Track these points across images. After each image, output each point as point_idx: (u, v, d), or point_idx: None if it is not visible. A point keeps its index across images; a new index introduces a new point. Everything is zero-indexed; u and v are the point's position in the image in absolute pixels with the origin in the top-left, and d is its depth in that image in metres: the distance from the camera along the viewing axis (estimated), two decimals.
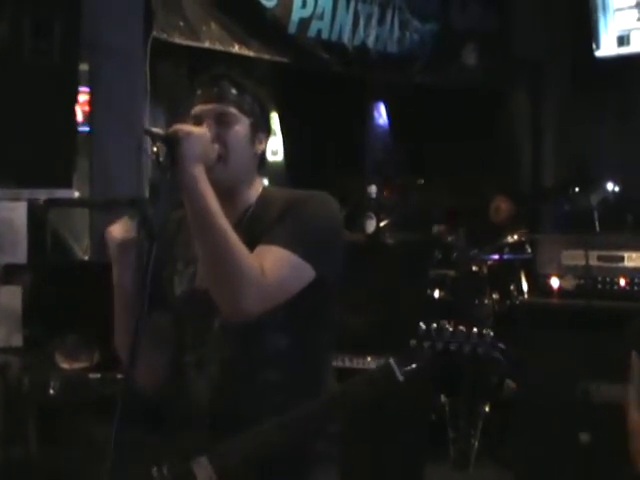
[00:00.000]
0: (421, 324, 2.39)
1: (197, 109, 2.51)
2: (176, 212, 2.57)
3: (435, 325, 2.39)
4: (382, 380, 2.39)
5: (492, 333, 2.37)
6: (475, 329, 2.36)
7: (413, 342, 2.37)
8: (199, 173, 2.29)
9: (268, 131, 2.61)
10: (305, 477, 2.53)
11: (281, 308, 2.41)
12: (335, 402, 2.47)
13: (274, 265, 2.38)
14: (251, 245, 2.38)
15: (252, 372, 2.47)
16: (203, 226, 2.30)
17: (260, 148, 2.57)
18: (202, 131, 2.37)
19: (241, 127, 2.51)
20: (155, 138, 2.28)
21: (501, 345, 2.39)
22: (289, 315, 2.45)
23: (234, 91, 2.53)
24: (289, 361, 2.49)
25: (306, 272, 2.43)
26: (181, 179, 2.27)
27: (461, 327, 2.37)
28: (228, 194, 2.48)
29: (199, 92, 2.55)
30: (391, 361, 2.36)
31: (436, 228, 6.83)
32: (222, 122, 2.48)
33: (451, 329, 2.37)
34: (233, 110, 2.50)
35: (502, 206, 7.00)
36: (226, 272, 2.31)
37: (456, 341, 2.35)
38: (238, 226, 2.45)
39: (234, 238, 2.32)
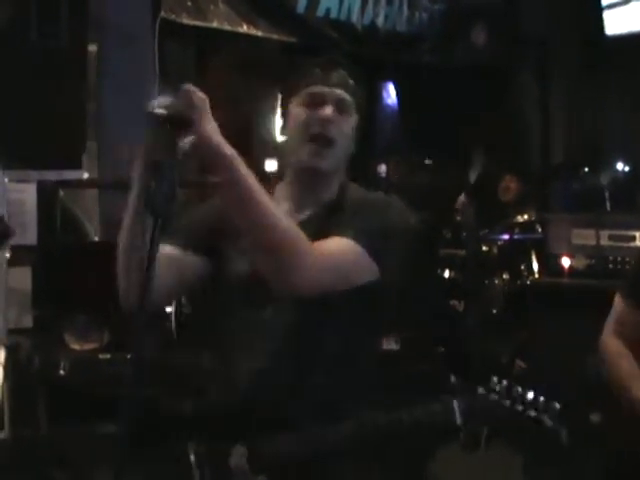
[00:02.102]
0: (494, 379, 2.34)
1: (318, 89, 2.46)
2: None
3: (505, 382, 2.34)
4: (441, 418, 2.35)
5: (558, 406, 2.34)
6: (542, 398, 2.32)
7: (481, 390, 2.34)
8: (224, 143, 2.17)
9: (361, 135, 2.57)
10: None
11: (337, 307, 2.35)
12: (388, 428, 2.40)
13: (336, 250, 2.32)
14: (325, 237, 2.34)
15: (298, 368, 2.40)
16: (241, 196, 2.18)
17: (353, 148, 2.55)
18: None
19: (352, 118, 2.50)
20: (165, 118, 2.18)
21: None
22: (344, 316, 2.40)
23: (352, 82, 2.51)
24: (337, 362, 2.42)
25: (370, 269, 2.37)
26: (206, 146, 2.15)
27: (530, 394, 2.33)
28: (320, 189, 2.48)
29: (318, 71, 2.49)
30: (455, 402, 2.32)
31: (460, 200, 6.77)
32: (340, 108, 2.45)
33: (520, 391, 2.32)
34: (351, 100, 2.48)
35: (511, 186, 6.97)
36: (277, 239, 2.20)
37: (522, 403, 2.32)
38: (315, 217, 2.45)
39: (274, 205, 2.23)
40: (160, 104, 2.21)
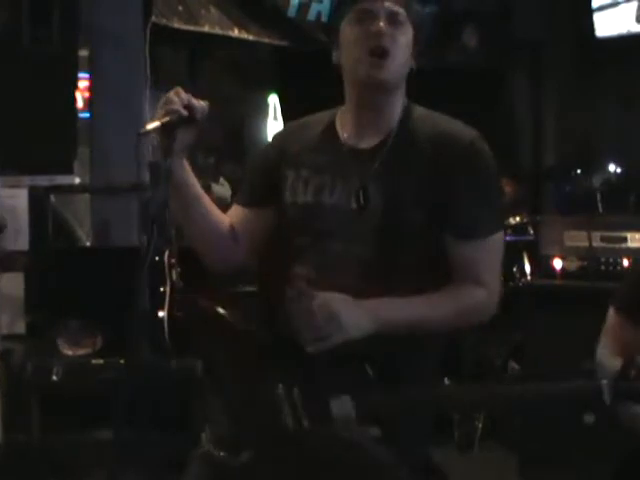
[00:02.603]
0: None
1: (368, 4, 2.39)
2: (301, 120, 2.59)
3: None
4: (589, 395, 2.38)
5: None
6: None
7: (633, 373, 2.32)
8: (374, 321, 2.25)
9: (415, 52, 2.46)
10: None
11: (411, 244, 2.35)
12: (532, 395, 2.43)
13: (491, 269, 2.42)
14: (393, 173, 2.34)
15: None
16: (419, 330, 2.32)
17: (411, 63, 2.45)
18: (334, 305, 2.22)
19: (408, 30, 2.40)
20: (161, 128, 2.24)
21: None
22: (425, 265, 2.38)
23: None
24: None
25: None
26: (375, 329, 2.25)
27: None
28: (382, 108, 2.42)
29: None
30: (604, 382, 2.32)
31: None
32: (392, 21, 2.37)
33: None
34: (404, 12, 2.39)
35: (506, 189, 6.98)
36: (462, 326, 2.39)
37: None
38: (381, 150, 2.39)
39: (452, 310, 2.35)
40: (157, 114, 2.26)
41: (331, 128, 2.49)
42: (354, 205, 2.35)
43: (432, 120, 2.49)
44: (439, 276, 2.36)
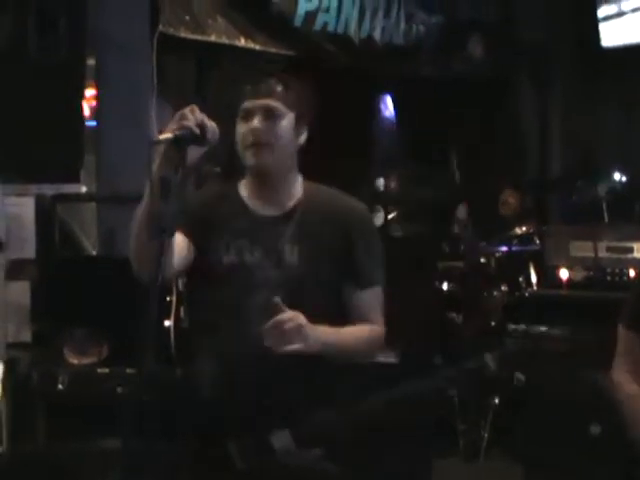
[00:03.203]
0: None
1: (248, 104, 2.80)
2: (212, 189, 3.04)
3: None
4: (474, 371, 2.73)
5: None
6: None
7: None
8: (319, 341, 2.71)
9: (307, 123, 2.91)
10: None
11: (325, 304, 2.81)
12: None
13: (380, 310, 2.93)
14: (307, 244, 2.79)
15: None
16: (339, 358, 2.82)
17: (302, 139, 2.90)
18: (296, 320, 2.64)
19: (287, 120, 2.82)
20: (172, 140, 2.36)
21: None
22: (333, 309, 2.86)
23: (279, 88, 2.82)
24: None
25: None
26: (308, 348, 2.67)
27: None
28: (276, 184, 2.85)
29: (249, 88, 2.83)
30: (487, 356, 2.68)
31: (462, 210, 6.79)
32: (270, 116, 2.78)
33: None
34: (280, 105, 2.80)
35: (510, 200, 6.97)
36: (364, 357, 3.01)
37: None
38: (290, 218, 2.83)
39: (363, 340, 2.90)
40: (170, 127, 2.39)
41: (238, 199, 2.91)
42: (273, 263, 2.78)
43: (328, 193, 2.96)
44: (340, 319, 2.85)
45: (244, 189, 2.92)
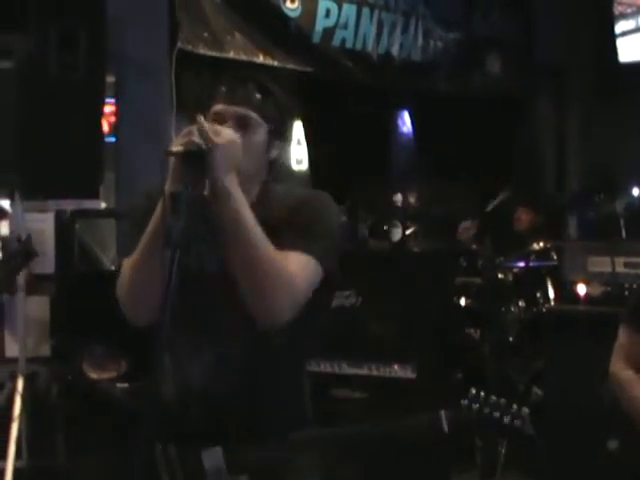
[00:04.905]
0: (472, 390, 2.46)
1: (220, 107, 2.48)
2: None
3: (483, 393, 2.45)
4: (428, 428, 2.46)
5: (528, 410, 2.47)
6: (515, 405, 2.45)
7: (464, 402, 2.44)
8: (233, 183, 2.31)
9: (285, 138, 2.61)
10: None
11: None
12: (378, 437, 2.54)
13: (302, 272, 2.42)
14: None
15: (246, 367, 2.46)
16: (238, 236, 2.32)
17: (273, 154, 2.57)
18: (234, 137, 2.34)
19: (259, 133, 2.49)
20: (182, 155, 2.27)
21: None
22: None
23: (258, 95, 2.50)
24: (280, 362, 2.50)
25: (319, 274, 2.48)
26: (214, 189, 2.29)
27: (503, 400, 2.45)
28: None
29: (223, 90, 2.51)
30: (442, 412, 2.42)
31: (462, 226, 6.81)
32: (242, 125, 2.45)
33: (494, 399, 2.45)
34: (254, 115, 2.48)
35: (523, 217, 6.98)
36: (261, 281, 2.34)
37: (499, 411, 2.44)
38: None
39: (270, 248, 2.35)
40: (178, 141, 2.28)
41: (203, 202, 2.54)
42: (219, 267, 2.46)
43: (287, 191, 2.60)
44: None
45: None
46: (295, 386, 2.58)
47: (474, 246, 6.53)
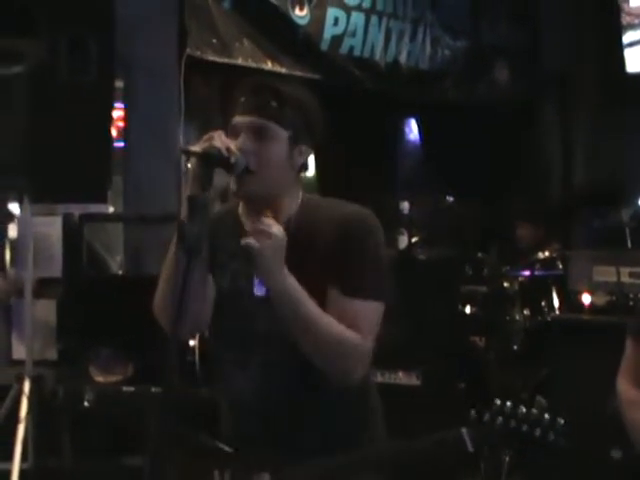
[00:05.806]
0: (496, 400, 2.39)
1: (236, 120, 2.43)
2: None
3: (509, 403, 2.37)
4: (452, 447, 2.39)
5: (563, 421, 2.38)
6: (547, 415, 2.37)
7: (487, 417, 2.37)
8: (285, 280, 2.32)
9: (311, 140, 2.51)
10: None
11: None
12: (399, 457, 2.49)
13: (369, 325, 2.46)
14: (299, 257, 2.37)
15: (295, 380, 2.47)
16: (301, 326, 2.35)
17: (300, 159, 2.50)
18: (278, 233, 2.31)
19: (278, 142, 2.42)
20: (200, 156, 2.29)
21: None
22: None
23: (274, 103, 2.42)
24: (327, 381, 2.47)
25: (381, 310, 2.51)
26: (269, 287, 2.35)
27: (534, 410, 2.37)
28: (265, 204, 2.43)
29: (241, 101, 2.44)
30: (464, 431, 2.35)
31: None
32: (259, 136, 2.39)
33: (524, 410, 2.36)
34: (271, 124, 2.41)
35: (523, 233, 6.99)
36: (332, 360, 2.39)
37: (527, 423, 2.35)
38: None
39: (334, 328, 2.37)
40: (199, 144, 2.30)
41: (237, 219, 2.53)
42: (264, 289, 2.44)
43: (327, 202, 2.57)
44: None
45: (242, 208, 2.56)
46: (345, 404, 2.53)
47: (480, 254, 6.54)
